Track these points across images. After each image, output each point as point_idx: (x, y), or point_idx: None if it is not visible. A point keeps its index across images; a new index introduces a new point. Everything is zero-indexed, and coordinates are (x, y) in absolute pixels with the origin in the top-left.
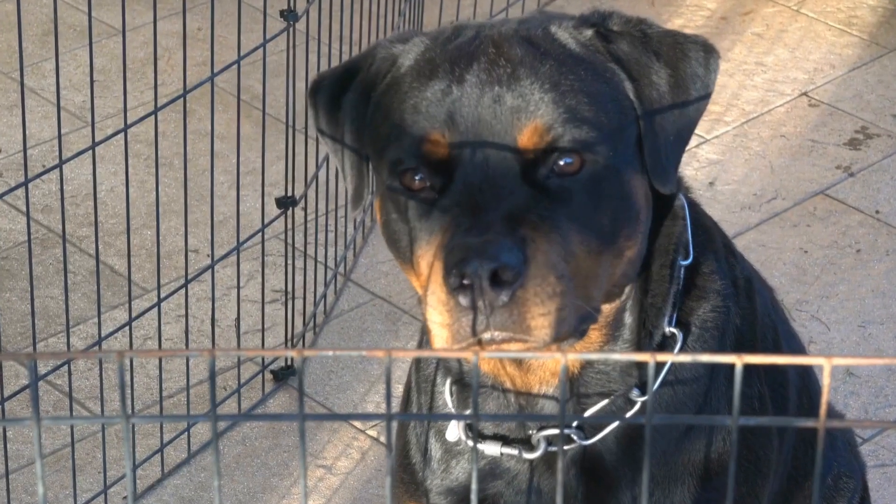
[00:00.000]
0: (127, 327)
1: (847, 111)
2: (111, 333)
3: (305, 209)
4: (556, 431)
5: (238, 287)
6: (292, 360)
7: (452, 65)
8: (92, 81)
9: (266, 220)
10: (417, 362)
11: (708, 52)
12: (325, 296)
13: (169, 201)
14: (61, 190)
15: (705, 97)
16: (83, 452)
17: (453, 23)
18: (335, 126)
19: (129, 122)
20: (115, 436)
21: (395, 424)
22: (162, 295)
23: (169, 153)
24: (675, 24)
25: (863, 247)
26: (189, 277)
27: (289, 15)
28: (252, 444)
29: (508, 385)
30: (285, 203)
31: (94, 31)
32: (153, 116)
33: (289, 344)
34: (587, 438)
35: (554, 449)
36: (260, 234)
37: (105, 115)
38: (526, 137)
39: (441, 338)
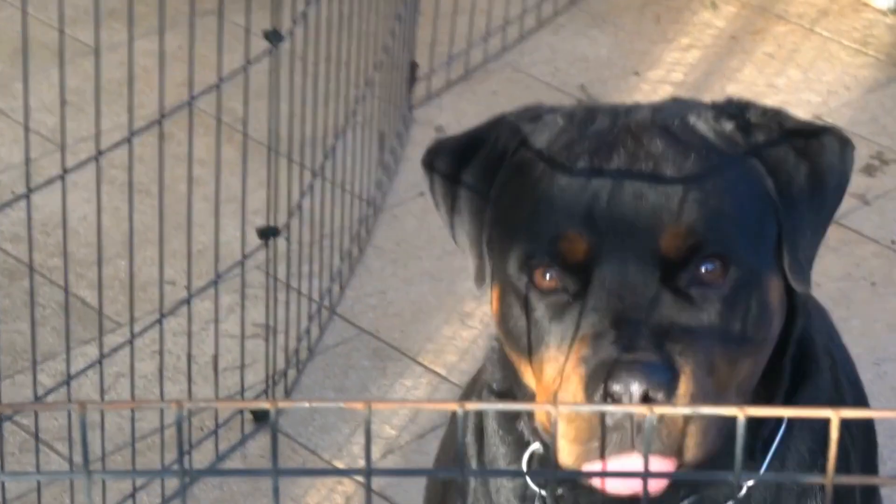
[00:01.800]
0: (98, 364)
1: (862, 135)
2: (82, 371)
3: (288, 239)
4: None
5: (217, 321)
6: (273, 397)
7: (591, 155)
8: (62, 103)
9: (247, 251)
10: (478, 417)
11: (843, 143)
12: (308, 330)
13: (145, 230)
14: (28, 218)
15: (842, 190)
16: (50, 497)
17: (582, 102)
18: (452, 199)
19: (105, 145)
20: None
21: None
22: (136, 329)
23: (146, 179)
24: (682, 42)
25: (878, 279)
26: (165, 311)
27: (272, 36)
28: (230, 488)
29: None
30: (267, 233)
31: (70, 49)
32: (129, 141)
33: (270, 381)
34: None
35: None
36: (240, 265)
37: (80, 139)
38: (669, 240)
39: (575, 455)
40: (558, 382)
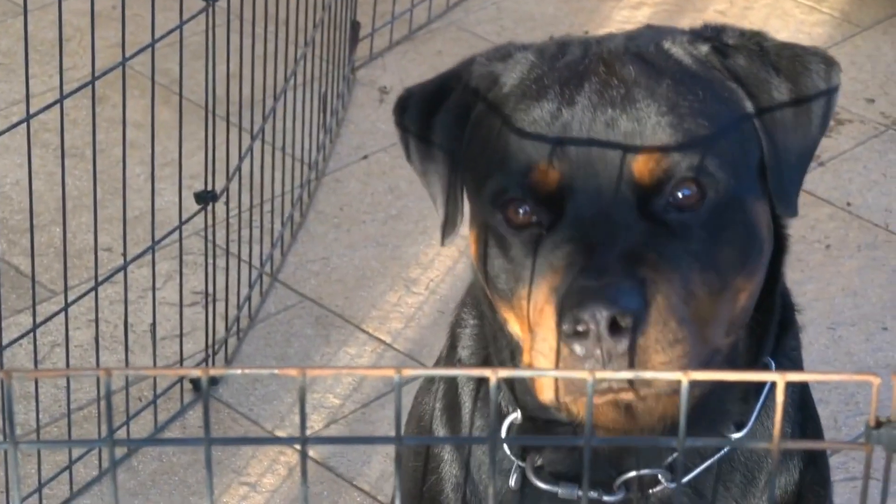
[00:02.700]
0: (32, 333)
1: None
2: (15, 340)
3: (228, 203)
4: (642, 473)
5: (154, 289)
6: (213, 366)
7: (562, 86)
8: None
9: (185, 216)
10: (451, 391)
11: (829, 64)
12: (249, 297)
13: (80, 195)
14: None
15: (829, 113)
16: None
17: (553, 37)
18: (425, 148)
19: (37, 107)
20: (22, 452)
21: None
22: (71, 298)
23: (80, 143)
24: (632, 0)
25: (833, 241)
26: (100, 278)
27: None
28: (169, 459)
29: (602, 433)
30: (205, 197)
31: None
32: (60, 103)
33: (209, 350)
34: (675, 481)
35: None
36: (178, 231)
37: (11, 102)
38: (642, 165)
39: (552, 388)
40: (535, 318)
